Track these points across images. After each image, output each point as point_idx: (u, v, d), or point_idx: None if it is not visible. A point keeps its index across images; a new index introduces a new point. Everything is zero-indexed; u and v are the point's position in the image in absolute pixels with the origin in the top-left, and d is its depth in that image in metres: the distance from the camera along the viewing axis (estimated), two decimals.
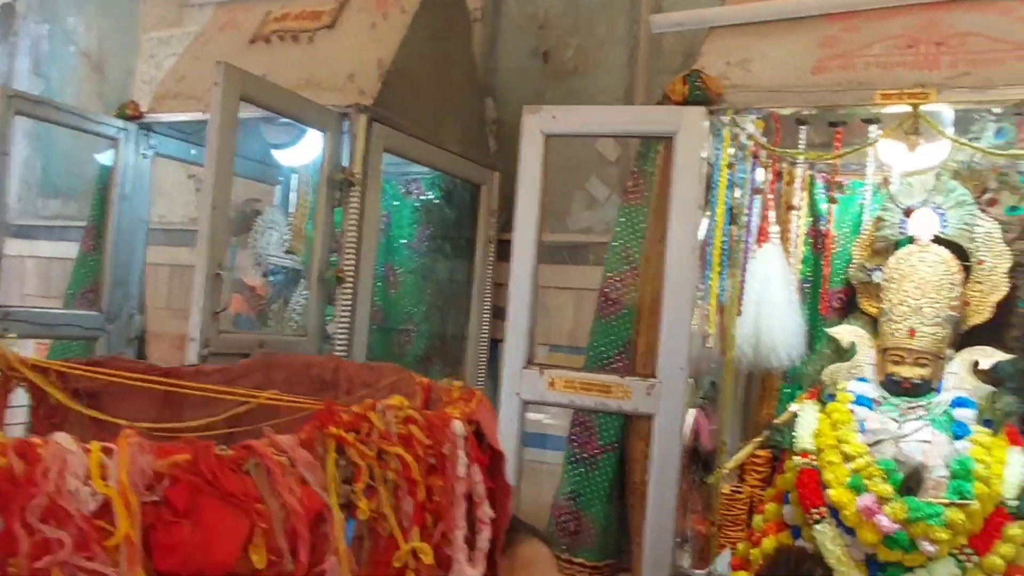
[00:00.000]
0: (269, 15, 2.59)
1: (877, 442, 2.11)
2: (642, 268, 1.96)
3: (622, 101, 2.72)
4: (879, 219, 2.37)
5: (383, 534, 0.53)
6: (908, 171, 2.30)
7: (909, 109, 1.88)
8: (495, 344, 2.72)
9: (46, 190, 4.36)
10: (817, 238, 2.53)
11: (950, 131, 2.03)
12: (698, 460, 2.23)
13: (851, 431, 2.13)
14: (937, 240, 2.23)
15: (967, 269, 2.24)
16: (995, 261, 2.26)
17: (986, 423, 2.11)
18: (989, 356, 2.21)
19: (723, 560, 2.23)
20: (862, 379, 2.28)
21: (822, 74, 1.87)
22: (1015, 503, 1.99)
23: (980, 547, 1.94)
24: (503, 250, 2.61)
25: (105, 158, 2.66)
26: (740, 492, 2.38)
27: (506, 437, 2.03)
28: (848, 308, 2.48)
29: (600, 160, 2.79)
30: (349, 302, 2.14)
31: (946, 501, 1.95)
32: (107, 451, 0.49)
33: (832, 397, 2.25)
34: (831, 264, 2.50)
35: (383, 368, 0.65)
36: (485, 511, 0.61)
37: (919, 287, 2.20)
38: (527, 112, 2.00)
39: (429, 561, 0.53)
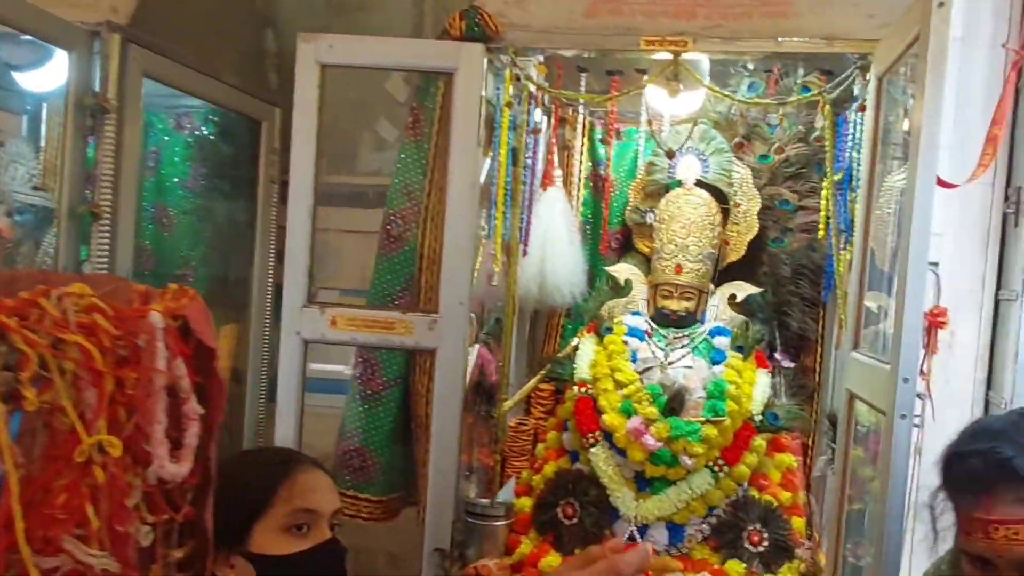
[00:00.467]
0: None
1: (646, 369, 2.28)
2: (424, 205, 1.94)
3: (409, 37, 2.67)
4: (651, 164, 2.52)
5: (61, 428, 0.48)
6: (673, 117, 2.45)
7: (671, 57, 2.00)
8: (282, 290, 2.61)
9: None
10: (597, 182, 2.65)
11: (708, 80, 2.18)
12: (483, 395, 2.29)
13: (624, 361, 2.27)
14: (700, 184, 2.41)
15: (726, 212, 2.45)
16: (749, 204, 2.48)
17: (739, 349, 2.33)
18: (743, 290, 2.43)
19: (508, 488, 2.31)
20: (636, 313, 2.44)
21: (594, 18, 1.94)
22: (760, 418, 2.23)
23: (731, 458, 2.15)
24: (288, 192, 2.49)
25: None
26: (525, 425, 2.47)
27: (287, 379, 1.96)
28: (625, 248, 2.63)
29: (389, 101, 2.74)
30: (107, 242, 1.95)
31: (702, 419, 2.14)
32: None
33: (609, 330, 2.39)
34: (609, 207, 2.63)
35: (97, 278, 0.58)
36: (192, 406, 0.57)
37: (685, 227, 2.37)
38: (302, 40, 1.90)
39: (117, 454, 0.49)
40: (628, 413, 2.16)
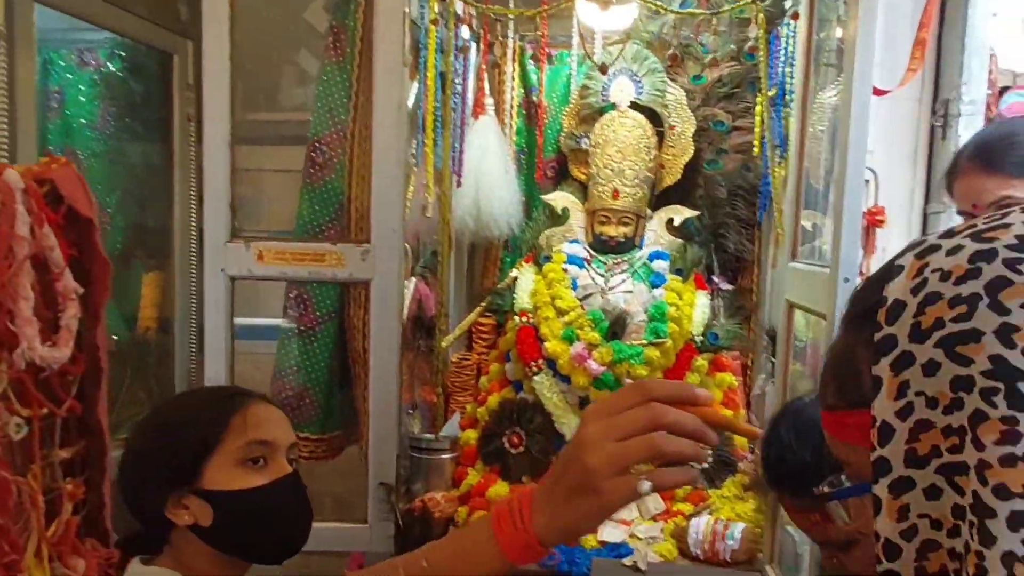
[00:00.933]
0: None
1: (587, 296, 2.25)
2: (349, 130, 1.85)
3: None
4: (584, 87, 2.47)
5: None
6: (605, 33, 2.40)
7: None
8: None
9: None
10: (530, 109, 2.58)
11: None
12: (423, 329, 2.24)
13: (564, 288, 2.24)
14: (634, 106, 2.37)
15: (661, 135, 2.41)
16: (683, 126, 2.45)
17: (678, 272, 2.33)
18: (680, 214, 2.42)
19: (452, 423, 2.28)
20: (574, 241, 2.40)
21: None
22: (701, 338, 2.24)
23: (674, 379, 2.16)
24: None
25: None
26: (467, 360, 2.43)
27: (214, 319, 1.87)
28: (561, 176, 2.59)
29: (310, 31, 2.61)
30: None
31: (644, 342, 2.14)
32: None
33: (548, 259, 2.35)
34: (544, 134, 2.57)
35: None
36: (68, 283, 0.50)
37: (620, 151, 2.33)
38: None
39: None
40: (570, 339, 2.14)
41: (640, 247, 2.38)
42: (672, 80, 2.46)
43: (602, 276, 2.31)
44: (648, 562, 1.89)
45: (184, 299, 2.54)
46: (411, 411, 2.22)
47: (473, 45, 2.45)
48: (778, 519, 1.92)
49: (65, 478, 0.56)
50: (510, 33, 2.50)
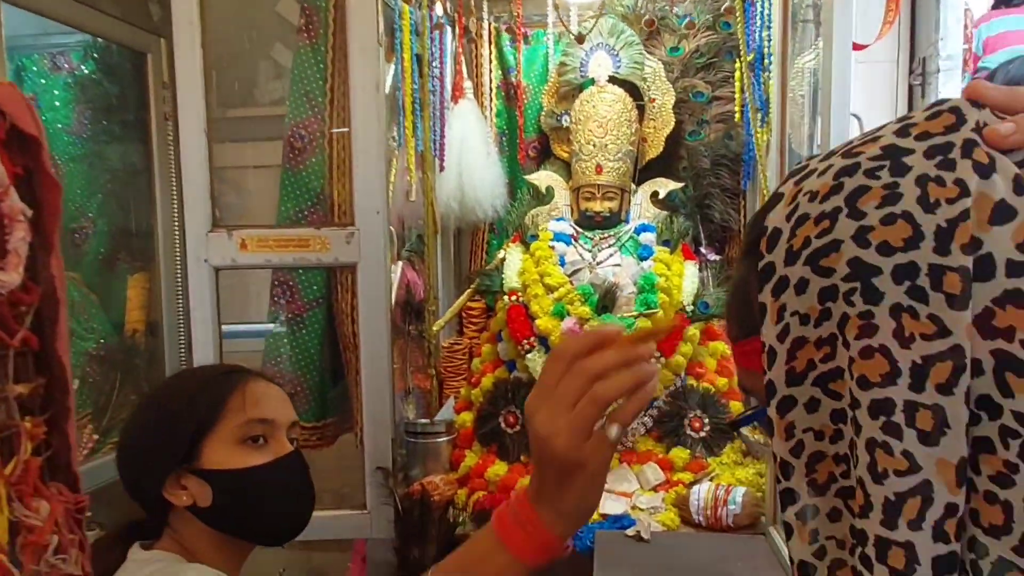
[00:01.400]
0: None
1: (575, 272, 2.25)
2: (327, 113, 1.84)
3: None
4: (562, 64, 2.46)
5: None
6: (579, 6, 2.39)
7: None
8: None
9: None
10: (508, 90, 2.57)
11: None
12: (412, 314, 2.22)
13: (552, 265, 2.23)
14: (613, 81, 2.37)
15: (641, 108, 2.41)
16: (663, 99, 2.45)
17: (665, 243, 2.32)
18: (665, 186, 2.42)
19: (447, 408, 2.27)
20: (560, 219, 2.40)
21: None
22: (691, 308, 2.23)
23: (666, 350, 2.15)
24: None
25: None
26: (459, 345, 2.42)
27: (200, 311, 1.85)
28: (543, 155, 2.58)
29: (283, 25, 2.59)
30: None
31: (635, 313, 2.13)
32: None
33: (534, 238, 2.34)
34: (524, 114, 2.56)
35: None
36: (14, 203, 0.48)
37: (602, 126, 2.32)
38: None
39: None
40: (561, 315, 2.13)
41: (626, 221, 2.37)
42: (649, 53, 2.45)
43: (589, 251, 2.30)
44: (651, 532, 1.88)
45: (170, 300, 2.51)
46: (406, 394, 2.21)
47: (448, 28, 2.44)
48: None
49: (24, 417, 0.54)
50: (484, 15, 2.49)
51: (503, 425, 2.13)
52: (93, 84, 2.41)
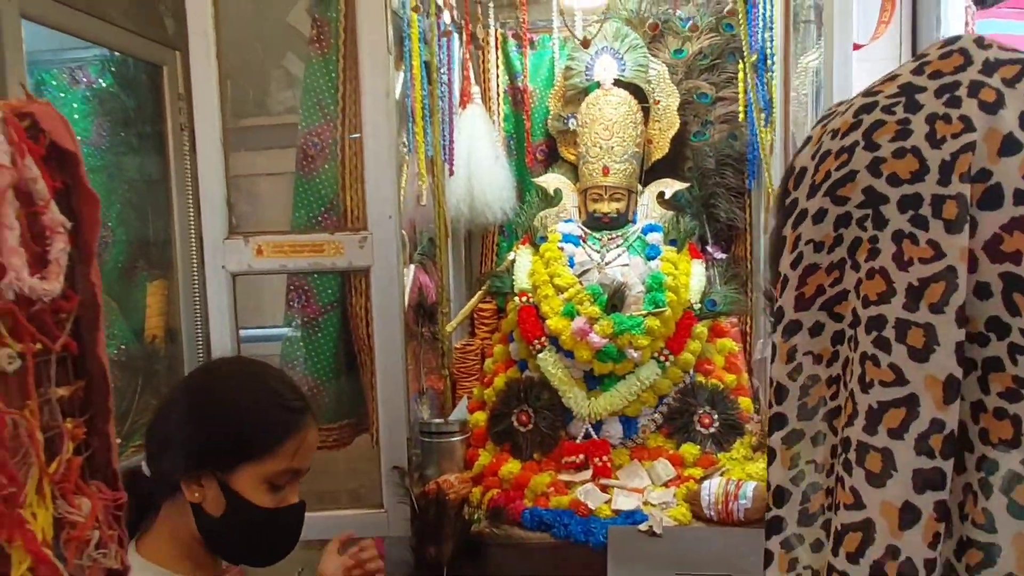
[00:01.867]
0: None
1: (584, 272, 2.28)
2: (339, 120, 1.88)
3: None
4: (567, 68, 2.50)
5: None
6: (584, 11, 2.43)
7: None
8: None
9: None
10: (516, 95, 2.61)
11: None
12: (425, 316, 2.26)
13: (562, 266, 2.27)
14: (619, 84, 2.40)
15: (646, 111, 2.45)
16: (668, 100, 2.48)
17: (672, 243, 2.35)
18: (671, 186, 2.45)
19: (461, 408, 2.31)
20: (568, 220, 2.43)
21: None
22: (699, 306, 2.26)
23: (675, 348, 2.18)
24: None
25: None
26: (471, 346, 2.46)
27: (218, 317, 1.90)
28: (551, 158, 2.62)
29: (295, 35, 2.64)
30: None
31: (644, 312, 2.16)
32: None
33: (544, 239, 2.38)
34: (531, 118, 2.60)
35: None
36: (55, 216, 0.52)
37: (608, 128, 2.36)
38: None
39: None
40: (571, 315, 2.16)
41: (633, 222, 2.41)
42: (654, 56, 2.49)
43: (598, 252, 2.34)
44: (663, 526, 1.91)
45: (188, 306, 2.58)
46: (420, 394, 2.25)
47: (456, 35, 2.49)
48: None
49: (65, 419, 0.58)
50: (491, 21, 2.54)
51: (516, 424, 2.17)
52: (111, 97, 2.48)
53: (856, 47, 1.93)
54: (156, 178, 2.53)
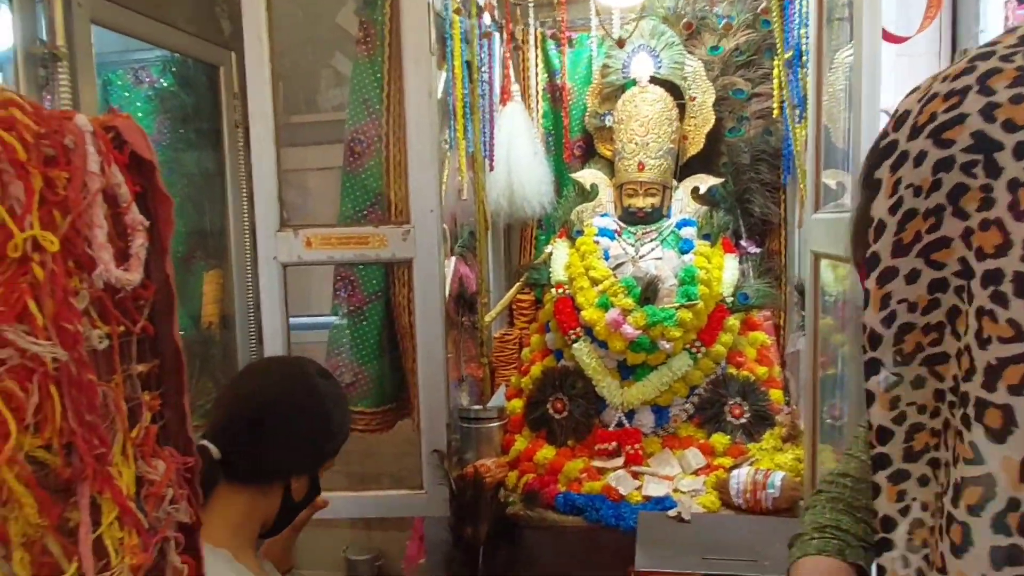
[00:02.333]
0: None
1: (619, 265, 2.35)
2: (384, 119, 1.98)
3: None
4: (605, 66, 2.56)
5: None
6: (622, 10, 2.48)
7: None
8: None
9: None
10: (554, 92, 2.68)
11: None
12: (465, 305, 2.35)
13: (597, 259, 2.34)
14: (655, 81, 2.45)
15: (682, 107, 2.49)
16: (703, 97, 2.53)
17: (705, 237, 2.40)
18: (705, 182, 2.50)
19: (499, 395, 2.39)
20: (604, 215, 2.50)
21: None
22: (732, 299, 2.30)
23: (707, 339, 2.24)
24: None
25: None
26: (510, 335, 2.54)
27: (269, 304, 2.01)
28: (588, 154, 2.68)
29: (343, 36, 2.75)
30: None
31: (676, 305, 2.22)
32: None
33: (580, 233, 2.45)
34: (569, 115, 2.67)
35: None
36: (135, 216, 0.61)
37: (643, 125, 2.42)
38: None
39: (53, 249, 0.53)
40: (605, 307, 2.23)
41: (668, 216, 2.46)
42: (690, 52, 2.53)
43: (632, 245, 2.40)
44: (692, 513, 1.97)
45: (242, 295, 2.71)
46: (459, 382, 2.34)
47: (496, 34, 2.56)
48: (816, 466, 1.98)
49: (144, 392, 0.67)
50: (531, 20, 2.61)
51: (551, 411, 2.25)
52: (171, 96, 2.62)
53: (898, 39, 1.96)
54: (212, 172, 2.67)
